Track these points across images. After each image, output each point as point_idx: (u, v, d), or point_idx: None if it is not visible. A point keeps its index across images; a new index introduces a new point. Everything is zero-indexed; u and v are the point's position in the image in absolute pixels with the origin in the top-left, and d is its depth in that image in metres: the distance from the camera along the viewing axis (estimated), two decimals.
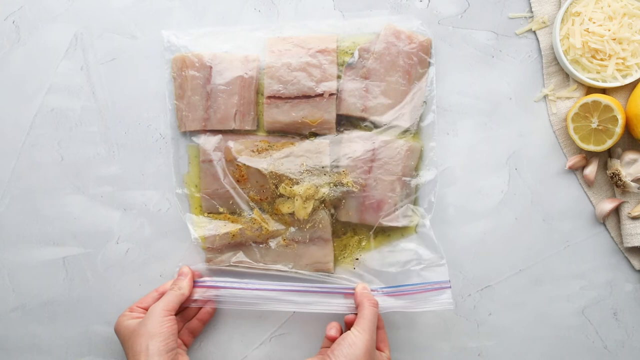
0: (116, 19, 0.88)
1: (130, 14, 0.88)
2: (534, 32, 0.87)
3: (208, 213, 0.87)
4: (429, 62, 0.85)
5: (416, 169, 0.87)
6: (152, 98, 0.88)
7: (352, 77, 0.85)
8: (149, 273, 0.89)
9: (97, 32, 0.88)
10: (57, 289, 0.90)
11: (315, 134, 0.86)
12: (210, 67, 0.85)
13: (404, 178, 0.85)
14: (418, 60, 0.85)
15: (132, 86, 0.88)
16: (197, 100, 0.85)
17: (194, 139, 0.87)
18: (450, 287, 0.84)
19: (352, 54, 0.85)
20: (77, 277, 0.90)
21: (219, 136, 0.86)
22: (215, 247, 0.87)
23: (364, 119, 0.86)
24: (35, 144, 0.89)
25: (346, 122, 0.87)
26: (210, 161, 0.86)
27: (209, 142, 0.86)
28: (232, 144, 0.85)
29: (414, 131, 0.86)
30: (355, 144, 0.85)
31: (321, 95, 0.84)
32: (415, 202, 0.87)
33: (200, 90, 0.85)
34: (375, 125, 0.86)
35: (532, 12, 0.87)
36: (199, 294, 0.85)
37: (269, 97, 0.85)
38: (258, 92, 0.86)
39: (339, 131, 0.86)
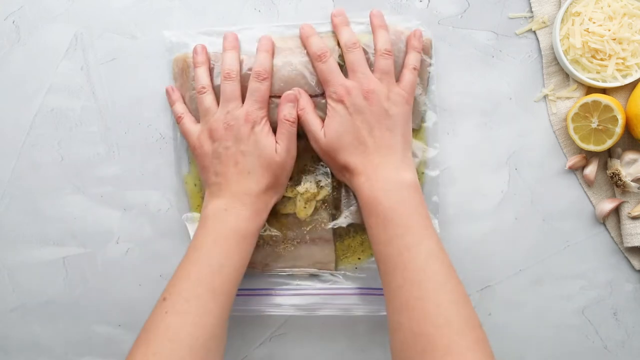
0: (116, 19, 0.88)
1: (130, 14, 0.88)
2: (534, 32, 0.87)
3: None
4: (430, 63, 0.85)
5: (419, 168, 0.87)
6: (152, 98, 0.88)
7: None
8: (149, 273, 0.89)
9: (97, 32, 0.88)
10: (57, 289, 0.90)
11: None
12: (212, 68, 0.84)
13: None
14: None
15: (132, 86, 0.88)
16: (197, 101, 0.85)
17: None
18: None
19: None
20: (77, 277, 0.90)
21: None
22: None
23: None
24: (35, 144, 0.89)
25: None
26: None
27: None
28: None
29: (417, 131, 0.86)
30: None
31: (322, 95, 0.83)
32: None
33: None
34: None
35: (532, 12, 0.87)
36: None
37: (270, 97, 0.84)
38: None
39: None
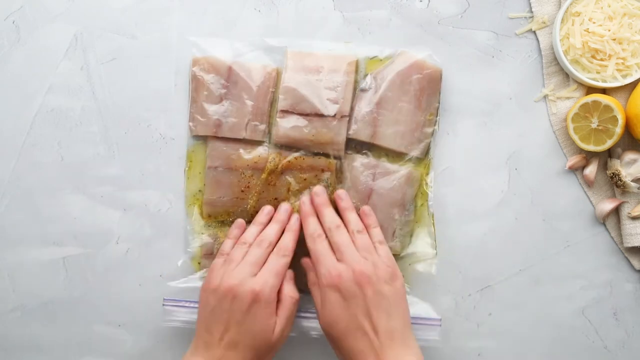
0: (116, 19, 0.88)
1: (130, 14, 0.88)
2: (534, 32, 0.87)
3: (209, 219, 0.87)
4: (439, 92, 0.85)
5: (419, 194, 0.87)
6: (152, 98, 0.88)
7: (363, 103, 0.85)
8: (149, 273, 0.89)
9: (97, 32, 0.88)
10: (57, 289, 0.90)
11: (322, 153, 0.86)
12: (228, 74, 0.84)
13: (402, 205, 0.85)
14: (429, 90, 0.85)
15: (132, 86, 0.88)
16: (210, 106, 0.85)
17: (202, 143, 0.87)
18: (440, 325, 0.84)
19: (366, 77, 0.85)
20: (77, 277, 0.89)
21: (228, 144, 0.86)
22: (213, 255, 0.86)
23: (372, 145, 0.86)
24: (35, 144, 0.89)
25: (354, 145, 0.86)
26: (216, 168, 0.86)
27: (217, 149, 0.86)
28: (240, 153, 0.85)
29: (422, 160, 0.86)
30: (358, 168, 0.85)
31: (333, 116, 0.83)
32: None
33: (214, 96, 0.85)
34: (384, 152, 0.86)
35: (532, 12, 0.87)
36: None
37: (282, 111, 0.84)
38: (272, 104, 0.86)
39: (346, 153, 0.86)
